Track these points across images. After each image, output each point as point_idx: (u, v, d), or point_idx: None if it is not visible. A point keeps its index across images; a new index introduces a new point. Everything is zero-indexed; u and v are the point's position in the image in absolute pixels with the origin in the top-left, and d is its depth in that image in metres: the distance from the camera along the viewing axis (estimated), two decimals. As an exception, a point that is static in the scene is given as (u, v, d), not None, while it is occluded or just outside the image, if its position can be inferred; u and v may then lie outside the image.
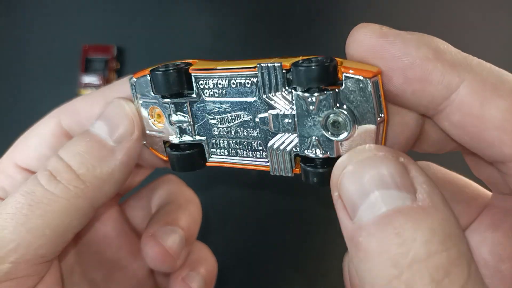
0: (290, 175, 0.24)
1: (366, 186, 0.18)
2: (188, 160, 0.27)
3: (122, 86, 0.30)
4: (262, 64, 0.22)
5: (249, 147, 0.25)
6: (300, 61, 0.21)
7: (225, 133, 0.26)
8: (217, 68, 0.24)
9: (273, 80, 0.22)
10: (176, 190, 0.37)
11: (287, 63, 0.22)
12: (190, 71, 0.26)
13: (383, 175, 0.18)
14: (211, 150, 0.27)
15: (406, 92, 0.20)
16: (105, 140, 0.27)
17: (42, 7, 0.67)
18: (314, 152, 0.22)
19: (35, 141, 0.31)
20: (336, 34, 0.66)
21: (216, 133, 0.26)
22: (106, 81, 0.64)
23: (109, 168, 0.26)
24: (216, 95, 0.25)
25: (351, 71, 0.20)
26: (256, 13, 0.67)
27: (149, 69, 0.27)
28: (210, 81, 0.25)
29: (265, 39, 0.66)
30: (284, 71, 0.22)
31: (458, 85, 0.19)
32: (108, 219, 0.35)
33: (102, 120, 0.28)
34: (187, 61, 0.26)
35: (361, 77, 0.20)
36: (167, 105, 0.27)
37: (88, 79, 0.64)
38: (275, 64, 0.22)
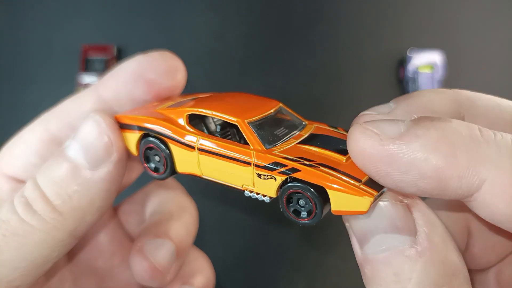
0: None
1: (371, 228, 0.20)
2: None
3: (110, 81, 0.28)
4: (249, 194, 0.24)
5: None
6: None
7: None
8: (203, 177, 0.25)
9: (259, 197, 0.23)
10: (170, 197, 0.34)
11: (273, 193, 0.23)
12: (177, 170, 0.26)
13: (386, 220, 0.19)
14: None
15: (423, 194, 0.19)
16: (81, 165, 0.24)
17: (42, 7, 0.67)
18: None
19: (21, 149, 0.28)
20: (336, 34, 0.66)
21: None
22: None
23: (88, 197, 0.24)
24: None
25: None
26: (256, 13, 0.67)
27: (140, 130, 0.26)
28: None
29: (265, 39, 0.66)
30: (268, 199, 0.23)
31: (480, 185, 0.17)
32: (101, 225, 0.33)
33: (76, 142, 0.24)
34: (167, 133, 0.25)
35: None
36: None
37: (88, 79, 0.64)
38: (262, 199, 0.23)
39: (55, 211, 0.23)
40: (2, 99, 0.66)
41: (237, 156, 0.23)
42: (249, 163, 0.22)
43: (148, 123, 0.25)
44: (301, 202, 0.22)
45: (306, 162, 0.21)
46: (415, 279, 0.18)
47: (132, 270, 0.31)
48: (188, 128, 0.25)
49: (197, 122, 0.26)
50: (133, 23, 0.67)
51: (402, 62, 0.64)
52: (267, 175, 0.22)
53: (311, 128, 0.25)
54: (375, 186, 0.20)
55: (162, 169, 0.26)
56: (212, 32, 0.66)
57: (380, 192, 0.20)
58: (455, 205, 0.26)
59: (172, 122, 0.25)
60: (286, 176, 0.21)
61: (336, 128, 0.24)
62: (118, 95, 0.27)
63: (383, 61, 0.65)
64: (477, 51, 0.65)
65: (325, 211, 0.21)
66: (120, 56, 0.66)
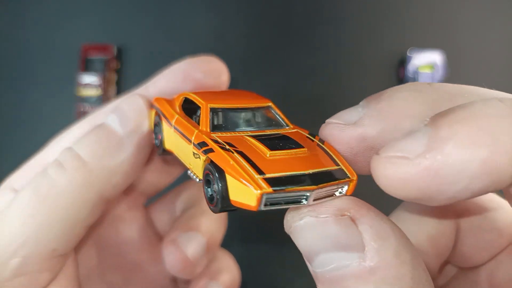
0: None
1: (313, 247, 0.18)
2: None
3: (160, 81, 0.30)
4: (189, 173, 0.24)
5: None
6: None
7: None
8: (175, 155, 0.26)
9: None
10: (201, 196, 0.35)
11: (200, 173, 0.22)
12: (165, 147, 0.27)
13: (327, 237, 0.17)
14: None
15: (480, 194, 0.17)
16: (116, 131, 0.27)
17: (42, 7, 0.67)
18: None
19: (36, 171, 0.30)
20: (337, 34, 0.66)
21: None
22: (106, 81, 0.64)
23: (118, 159, 0.26)
24: None
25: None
26: (257, 13, 0.67)
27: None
28: None
29: (266, 39, 0.66)
30: None
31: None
32: (132, 221, 0.34)
33: (115, 113, 0.28)
34: None
35: None
36: None
37: (87, 79, 0.64)
38: (195, 178, 0.23)
39: (86, 168, 0.25)
40: (2, 99, 0.66)
41: (185, 133, 0.24)
42: (190, 141, 0.23)
43: (156, 102, 0.28)
44: (214, 186, 0.20)
45: (226, 146, 0.20)
46: None
47: (164, 261, 0.32)
48: (177, 109, 0.26)
49: (193, 107, 0.26)
50: (133, 23, 0.67)
51: (402, 62, 0.64)
52: (196, 154, 0.22)
53: (286, 130, 0.24)
54: (278, 184, 0.18)
55: (158, 144, 0.28)
56: (212, 32, 0.66)
57: (283, 193, 0.18)
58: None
59: (170, 104, 0.27)
60: (205, 156, 0.21)
61: (313, 136, 0.23)
62: (166, 93, 0.29)
63: (383, 61, 0.65)
64: (477, 51, 0.65)
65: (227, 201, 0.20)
66: (120, 56, 0.66)
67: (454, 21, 0.66)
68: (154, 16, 0.67)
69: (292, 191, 0.18)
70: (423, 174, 0.16)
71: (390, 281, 0.16)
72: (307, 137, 0.22)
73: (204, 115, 0.24)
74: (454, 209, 0.25)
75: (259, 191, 0.18)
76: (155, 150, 0.31)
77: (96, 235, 0.32)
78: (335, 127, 0.20)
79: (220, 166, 0.20)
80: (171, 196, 0.36)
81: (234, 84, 0.70)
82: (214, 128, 0.23)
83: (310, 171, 0.19)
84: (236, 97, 0.26)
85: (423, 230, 0.25)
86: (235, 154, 0.20)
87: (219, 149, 0.20)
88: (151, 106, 0.29)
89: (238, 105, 0.25)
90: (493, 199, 0.25)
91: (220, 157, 0.20)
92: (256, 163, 0.19)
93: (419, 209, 0.25)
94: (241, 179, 0.18)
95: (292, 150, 0.20)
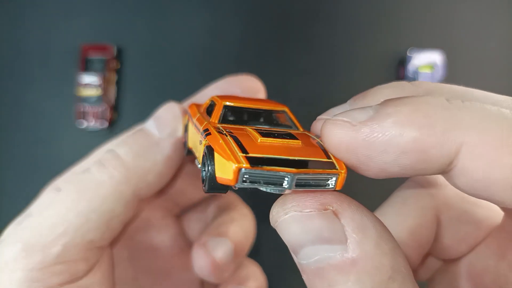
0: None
1: (298, 240, 0.19)
2: None
3: (200, 98, 0.31)
4: (197, 164, 0.25)
5: None
6: None
7: None
8: (192, 150, 0.27)
9: None
10: (231, 204, 0.37)
11: (200, 158, 0.23)
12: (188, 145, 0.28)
13: (311, 231, 0.18)
14: None
15: (408, 172, 0.19)
16: (153, 134, 0.30)
17: (41, 7, 0.67)
18: None
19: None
20: (336, 33, 0.66)
21: None
22: (106, 81, 0.64)
23: (153, 159, 0.28)
24: None
25: None
26: (255, 13, 0.67)
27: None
28: None
29: (265, 39, 0.66)
30: None
31: (458, 150, 0.17)
32: (165, 229, 0.36)
33: (153, 118, 0.31)
34: None
35: None
36: None
37: (87, 79, 0.64)
38: (198, 165, 0.24)
39: (123, 165, 0.28)
40: (2, 99, 0.66)
41: (198, 126, 0.25)
42: (199, 131, 0.24)
43: (188, 108, 0.30)
44: (206, 166, 0.21)
45: (224, 131, 0.21)
46: None
47: (193, 263, 0.33)
48: (201, 110, 0.28)
49: (215, 107, 0.28)
50: (133, 23, 0.67)
51: (402, 62, 0.64)
52: (200, 140, 0.23)
53: (293, 131, 0.25)
54: (258, 162, 0.19)
55: (185, 145, 0.30)
56: (211, 31, 0.66)
57: (261, 170, 0.19)
58: (424, 196, 0.26)
59: (198, 107, 0.29)
60: (205, 140, 0.22)
61: (318, 137, 0.23)
62: None
63: (383, 61, 0.65)
64: (477, 51, 0.65)
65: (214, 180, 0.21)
66: (120, 56, 0.66)
67: (454, 21, 0.66)
68: (154, 16, 0.67)
69: (271, 171, 0.19)
70: (360, 138, 0.18)
71: (370, 271, 0.17)
72: (311, 137, 0.23)
73: (217, 110, 0.25)
74: (434, 203, 0.26)
75: (236, 165, 0.19)
76: (190, 162, 0.33)
77: (131, 239, 0.33)
78: (345, 125, 0.21)
79: (211, 145, 0.21)
80: (203, 206, 0.38)
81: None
82: (223, 121, 0.25)
83: (296, 158, 0.19)
84: (255, 102, 0.27)
85: (404, 223, 0.26)
86: (228, 137, 0.21)
87: (215, 132, 0.21)
88: (185, 112, 0.31)
89: (252, 106, 0.26)
90: None
91: (214, 138, 0.21)
92: (244, 145, 0.20)
93: (400, 202, 0.27)
94: (224, 154, 0.19)
95: (285, 140, 0.21)
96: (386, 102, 0.18)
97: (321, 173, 0.19)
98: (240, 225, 0.35)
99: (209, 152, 0.21)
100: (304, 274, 0.19)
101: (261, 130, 0.23)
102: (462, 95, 0.20)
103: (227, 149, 0.20)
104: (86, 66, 0.64)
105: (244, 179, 0.19)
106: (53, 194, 0.27)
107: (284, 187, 0.19)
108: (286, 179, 0.19)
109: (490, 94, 0.20)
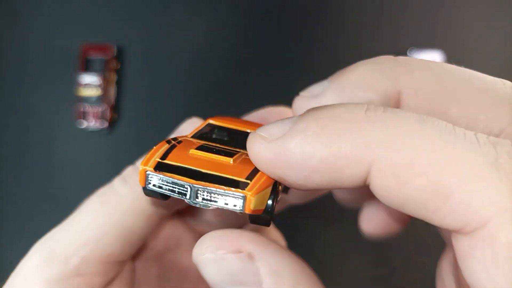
0: None
1: (215, 283, 0.19)
2: None
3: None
4: None
5: None
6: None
7: None
8: None
9: None
10: (265, 230, 0.36)
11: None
12: None
13: (226, 274, 0.18)
14: None
15: (326, 187, 0.18)
16: None
17: (41, 7, 0.67)
18: None
19: None
20: (336, 34, 0.66)
21: None
22: (106, 81, 0.64)
23: None
24: None
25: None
26: (256, 13, 0.67)
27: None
28: None
29: (265, 39, 0.66)
30: None
31: (369, 169, 0.16)
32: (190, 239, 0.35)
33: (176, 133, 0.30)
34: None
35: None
36: None
37: (87, 79, 0.64)
38: None
39: None
40: (1, 99, 0.66)
41: None
42: None
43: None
44: None
45: (172, 142, 0.23)
46: None
47: None
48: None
49: None
50: (133, 23, 0.67)
51: (402, 62, 0.64)
52: None
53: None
54: (164, 169, 0.20)
55: None
56: (212, 32, 0.66)
57: (163, 176, 0.20)
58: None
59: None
60: None
61: None
62: None
63: (383, 61, 0.65)
64: (477, 51, 0.65)
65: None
66: (120, 56, 0.66)
67: (454, 21, 0.66)
68: (154, 16, 0.67)
69: (171, 178, 0.20)
70: (273, 157, 0.18)
71: None
72: None
73: (200, 126, 0.26)
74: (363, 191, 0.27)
75: (142, 167, 0.20)
76: None
77: (160, 258, 0.33)
78: (303, 99, 0.22)
79: None
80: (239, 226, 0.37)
81: (234, 84, 0.70)
82: (199, 137, 0.25)
83: (206, 171, 0.20)
84: (244, 124, 0.27)
85: None
86: (167, 145, 0.21)
87: (165, 141, 0.22)
88: None
89: (233, 127, 0.26)
90: None
91: (158, 145, 0.22)
92: (170, 153, 0.21)
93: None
94: (144, 157, 0.20)
95: (217, 155, 0.21)
96: (304, 114, 0.18)
97: (223, 190, 0.19)
98: None
99: None
100: None
101: (210, 145, 0.23)
102: (450, 72, 0.19)
103: (150, 153, 0.21)
104: (86, 66, 0.64)
105: (149, 182, 0.20)
106: (81, 206, 0.28)
107: (186, 198, 0.20)
108: (187, 189, 0.20)
109: (479, 74, 0.19)
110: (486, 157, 0.15)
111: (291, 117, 0.18)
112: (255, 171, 0.20)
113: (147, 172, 0.20)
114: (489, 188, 0.15)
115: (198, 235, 0.35)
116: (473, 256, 0.15)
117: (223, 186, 0.19)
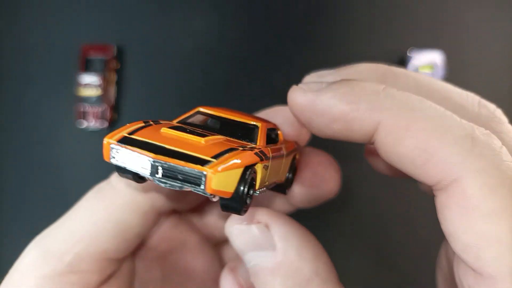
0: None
1: (240, 248, 0.24)
2: None
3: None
4: None
5: None
6: None
7: None
8: None
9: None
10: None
11: None
12: None
13: (250, 240, 0.24)
14: None
15: (338, 136, 0.23)
16: None
17: (42, 7, 0.67)
18: None
19: None
20: (337, 34, 0.66)
21: None
22: (106, 81, 0.64)
23: None
24: None
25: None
26: (257, 13, 0.67)
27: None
28: None
29: (265, 39, 0.66)
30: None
31: (376, 127, 0.21)
32: (200, 252, 0.35)
33: None
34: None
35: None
36: None
37: (88, 79, 0.64)
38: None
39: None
40: (2, 99, 0.66)
41: None
42: None
43: None
44: None
45: (152, 123, 0.23)
46: (278, 286, 0.22)
47: (221, 286, 0.32)
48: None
49: None
50: (133, 23, 0.67)
51: (402, 62, 0.64)
52: None
53: (238, 142, 0.25)
54: (128, 142, 0.20)
55: None
56: (212, 31, 0.66)
57: (125, 149, 0.20)
58: None
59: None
60: None
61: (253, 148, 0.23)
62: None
63: (383, 61, 0.65)
64: (477, 51, 0.65)
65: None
66: (120, 56, 0.66)
67: (454, 21, 0.66)
68: (154, 16, 0.67)
69: (133, 151, 0.19)
70: (307, 103, 0.23)
71: (291, 273, 0.22)
72: (239, 146, 0.22)
73: (187, 113, 0.26)
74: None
75: (107, 140, 0.20)
76: None
77: (164, 260, 0.33)
78: (312, 77, 0.27)
79: None
80: None
81: (235, 84, 0.70)
82: (183, 121, 0.25)
83: (171, 147, 0.19)
84: (236, 114, 0.26)
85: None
86: (142, 124, 0.22)
87: (141, 121, 0.22)
88: None
89: (223, 115, 0.26)
90: None
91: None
92: (141, 130, 0.21)
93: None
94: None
95: (188, 135, 0.21)
96: (337, 81, 0.23)
97: (182, 165, 0.19)
98: None
99: None
100: (250, 275, 0.24)
101: (185, 127, 0.23)
102: (425, 82, 0.25)
103: (120, 129, 0.21)
104: (86, 66, 0.64)
105: (113, 156, 0.20)
106: (79, 202, 0.27)
107: (150, 176, 0.19)
108: (148, 163, 0.19)
109: (451, 88, 0.25)
110: (465, 131, 0.20)
111: (325, 82, 0.23)
112: (225, 152, 0.20)
113: (111, 146, 0.20)
114: (462, 151, 0.19)
115: (204, 238, 0.35)
116: (448, 206, 0.20)
117: (182, 162, 0.18)
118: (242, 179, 0.20)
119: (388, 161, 0.22)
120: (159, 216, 0.29)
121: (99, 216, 0.26)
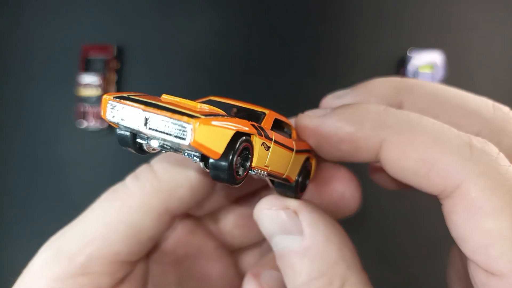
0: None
1: (269, 231, 0.25)
2: None
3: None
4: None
5: None
6: None
7: None
8: None
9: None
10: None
11: None
12: None
13: (278, 224, 0.25)
14: None
15: (346, 156, 0.25)
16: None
17: (42, 7, 0.67)
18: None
19: None
20: (337, 34, 0.66)
21: None
22: (106, 81, 0.64)
23: (186, 173, 0.28)
24: None
25: None
26: (257, 13, 0.67)
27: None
28: None
29: (265, 39, 0.66)
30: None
31: (380, 144, 0.23)
32: (216, 258, 0.34)
33: None
34: None
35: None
36: None
37: (87, 79, 0.64)
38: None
39: (155, 178, 0.28)
40: (2, 99, 0.66)
41: None
42: None
43: None
44: None
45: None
46: (305, 271, 0.23)
47: None
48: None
49: None
50: (133, 23, 0.67)
51: (402, 62, 0.64)
52: None
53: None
54: (124, 98, 0.20)
55: None
56: (212, 31, 0.66)
57: (119, 103, 0.20)
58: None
59: None
60: None
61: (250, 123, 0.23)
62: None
63: (383, 61, 0.65)
64: (477, 51, 0.65)
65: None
66: (120, 56, 0.66)
67: (454, 21, 0.66)
68: (154, 16, 0.67)
69: (125, 105, 0.20)
70: (314, 127, 0.25)
71: (319, 256, 0.23)
72: (232, 116, 0.23)
73: (198, 100, 0.26)
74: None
75: (105, 96, 0.20)
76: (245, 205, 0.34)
77: (180, 264, 0.32)
78: (330, 99, 0.29)
79: None
80: (260, 241, 0.37)
81: (236, 84, 0.70)
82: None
83: (164, 104, 0.20)
84: (246, 103, 0.26)
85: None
86: (149, 95, 0.22)
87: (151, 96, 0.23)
88: None
89: (232, 102, 0.26)
90: None
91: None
92: (143, 95, 0.21)
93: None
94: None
95: (187, 100, 0.22)
96: (340, 106, 0.25)
97: (168, 117, 0.19)
98: None
99: None
100: (276, 258, 0.25)
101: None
102: (440, 91, 0.26)
103: (124, 92, 0.21)
104: (87, 66, 0.64)
105: (111, 112, 0.20)
106: (93, 203, 0.27)
107: (138, 124, 0.20)
108: (139, 116, 0.20)
109: (462, 93, 0.26)
110: (463, 141, 0.21)
111: (331, 107, 0.25)
112: (218, 115, 0.20)
113: (108, 102, 0.20)
114: (462, 159, 0.21)
115: (221, 244, 0.35)
116: (455, 211, 0.21)
117: (170, 113, 0.19)
118: (233, 144, 0.20)
119: (394, 176, 0.23)
120: (173, 218, 0.29)
121: (111, 218, 0.26)
